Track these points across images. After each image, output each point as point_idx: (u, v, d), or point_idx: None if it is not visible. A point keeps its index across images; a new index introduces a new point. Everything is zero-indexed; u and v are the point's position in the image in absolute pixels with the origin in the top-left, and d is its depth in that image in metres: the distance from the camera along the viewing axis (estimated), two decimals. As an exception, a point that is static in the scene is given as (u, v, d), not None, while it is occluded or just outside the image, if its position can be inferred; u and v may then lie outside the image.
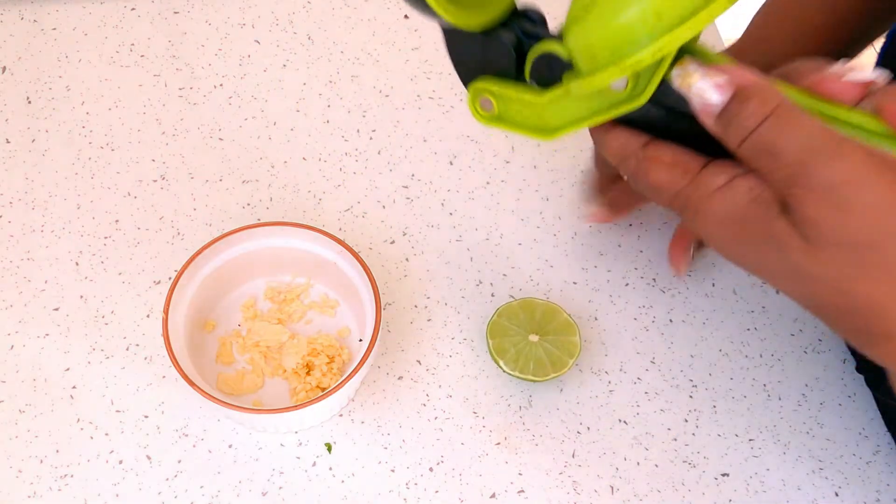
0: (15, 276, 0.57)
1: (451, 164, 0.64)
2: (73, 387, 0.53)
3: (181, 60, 0.69)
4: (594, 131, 0.40)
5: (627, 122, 0.38)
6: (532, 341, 0.53)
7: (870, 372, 0.56)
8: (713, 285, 0.59)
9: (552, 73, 0.38)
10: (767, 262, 0.32)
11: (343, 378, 0.48)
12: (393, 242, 0.60)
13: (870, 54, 0.61)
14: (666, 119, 0.37)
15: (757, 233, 0.32)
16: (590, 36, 0.35)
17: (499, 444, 0.52)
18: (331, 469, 0.51)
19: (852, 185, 0.29)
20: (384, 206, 0.62)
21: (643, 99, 0.36)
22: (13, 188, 0.61)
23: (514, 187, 0.63)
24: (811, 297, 0.32)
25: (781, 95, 0.31)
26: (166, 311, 0.49)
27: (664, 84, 0.36)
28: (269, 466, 0.51)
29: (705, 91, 0.33)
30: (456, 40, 0.40)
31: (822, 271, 0.30)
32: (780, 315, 0.58)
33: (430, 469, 0.51)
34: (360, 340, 0.54)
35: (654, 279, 0.59)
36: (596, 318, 0.57)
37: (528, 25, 0.39)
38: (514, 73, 0.40)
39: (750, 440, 0.53)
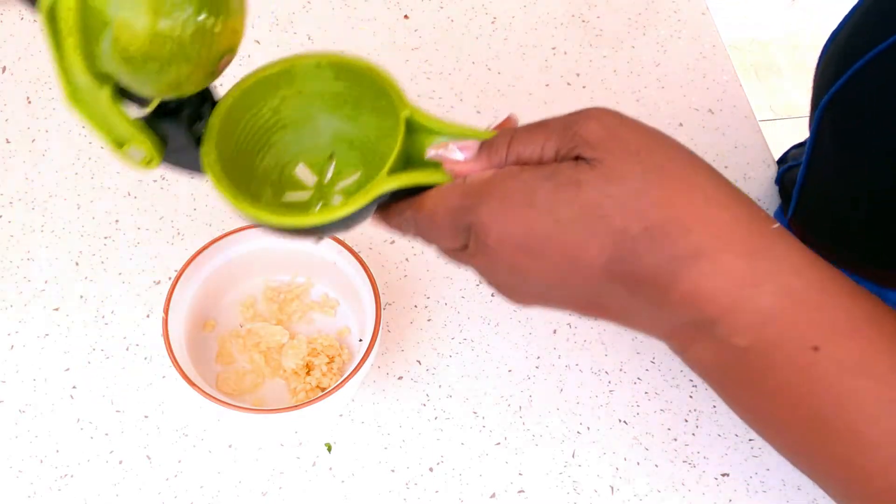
0: (15, 276, 0.57)
1: (451, 164, 0.64)
2: (73, 387, 0.53)
3: (181, 60, 0.69)
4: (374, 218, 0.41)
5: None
6: None
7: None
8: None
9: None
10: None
11: (343, 378, 0.48)
12: (393, 242, 0.60)
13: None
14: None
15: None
16: None
17: (499, 444, 0.52)
18: (331, 469, 0.51)
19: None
20: (384, 206, 0.62)
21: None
22: (13, 188, 0.61)
23: (514, 187, 0.63)
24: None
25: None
26: (166, 311, 0.49)
27: None
28: (269, 466, 0.51)
29: (454, 153, 0.38)
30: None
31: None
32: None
33: (430, 469, 0.51)
34: (360, 340, 0.54)
35: (654, 279, 0.59)
36: (596, 318, 0.57)
37: None
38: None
39: (750, 440, 0.53)
